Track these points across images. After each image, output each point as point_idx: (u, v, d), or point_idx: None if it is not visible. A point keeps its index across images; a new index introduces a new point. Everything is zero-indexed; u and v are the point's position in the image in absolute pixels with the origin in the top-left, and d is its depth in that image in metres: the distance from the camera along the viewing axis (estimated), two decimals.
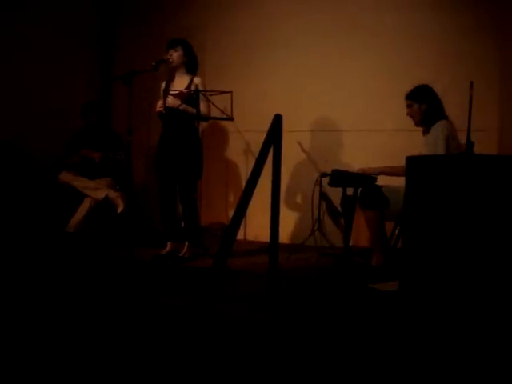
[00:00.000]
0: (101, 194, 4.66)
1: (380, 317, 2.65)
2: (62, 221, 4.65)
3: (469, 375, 2.02)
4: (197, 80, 3.96)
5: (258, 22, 5.31)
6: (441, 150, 3.40)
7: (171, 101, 3.93)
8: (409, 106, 3.69)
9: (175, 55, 3.99)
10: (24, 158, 4.82)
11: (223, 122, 5.18)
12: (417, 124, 3.70)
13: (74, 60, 5.54)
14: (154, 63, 3.84)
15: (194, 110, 3.88)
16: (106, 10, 5.97)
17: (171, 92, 3.96)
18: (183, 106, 3.91)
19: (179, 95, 3.92)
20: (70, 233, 4.59)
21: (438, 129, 3.48)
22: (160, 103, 3.99)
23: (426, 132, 3.66)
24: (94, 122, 5.01)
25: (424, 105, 3.61)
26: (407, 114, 3.71)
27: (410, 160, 2.57)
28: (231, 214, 2.53)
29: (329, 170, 3.85)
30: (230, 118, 3.84)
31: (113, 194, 4.67)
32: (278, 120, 2.60)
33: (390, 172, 3.70)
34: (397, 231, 3.92)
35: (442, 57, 4.51)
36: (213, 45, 5.41)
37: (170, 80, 4.11)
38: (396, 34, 4.70)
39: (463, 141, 2.57)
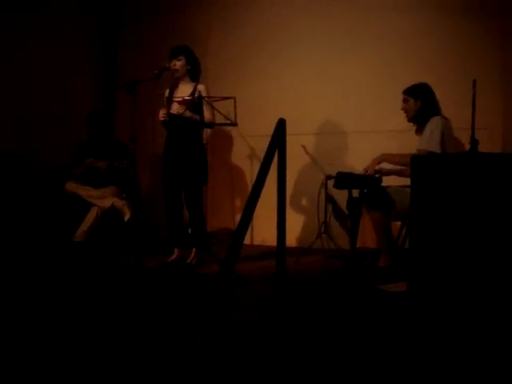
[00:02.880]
0: (107, 203, 4.68)
1: (389, 318, 2.64)
2: (69, 230, 4.67)
3: (477, 375, 2.01)
4: (200, 87, 3.98)
5: (259, 26, 5.33)
6: (435, 143, 3.46)
7: (176, 108, 3.95)
8: (404, 101, 3.78)
9: (178, 65, 4.00)
10: (28, 169, 4.85)
11: (227, 128, 5.18)
12: (409, 120, 3.79)
13: (77, 70, 5.58)
14: (156, 71, 3.87)
15: (199, 117, 3.89)
16: (107, 19, 6.02)
17: (175, 99, 3.98)
18: (188, 113, 3.92)
19: (183, 102, 3.93)
20: (77, 242, 4.61)
21: (433, 124, 3.55)
22: (162, 112, 3.99)
23: (418, 131, 3.74)
24: (98, 132, 5.03)
25: (419, 101, 3.70)
26: (401, 109, 3.80)
27: (415, 160, 2.57)
28: (237, 219, 2.54)
29: (334, 173, 3.84)
30: (234, 124, 3.83)
31: (119, 203, 4.68)
32: (281, 124, 2.61)
33: (391, 160, 3.74)
34: (403, 232, 3.92)
35: (445, 57, 4.51)
36: (215, 51, 5.43)
37: (173, 87, 4.11)
38: (399, 36, 4.70)
39: (465, 139, 2.56)
